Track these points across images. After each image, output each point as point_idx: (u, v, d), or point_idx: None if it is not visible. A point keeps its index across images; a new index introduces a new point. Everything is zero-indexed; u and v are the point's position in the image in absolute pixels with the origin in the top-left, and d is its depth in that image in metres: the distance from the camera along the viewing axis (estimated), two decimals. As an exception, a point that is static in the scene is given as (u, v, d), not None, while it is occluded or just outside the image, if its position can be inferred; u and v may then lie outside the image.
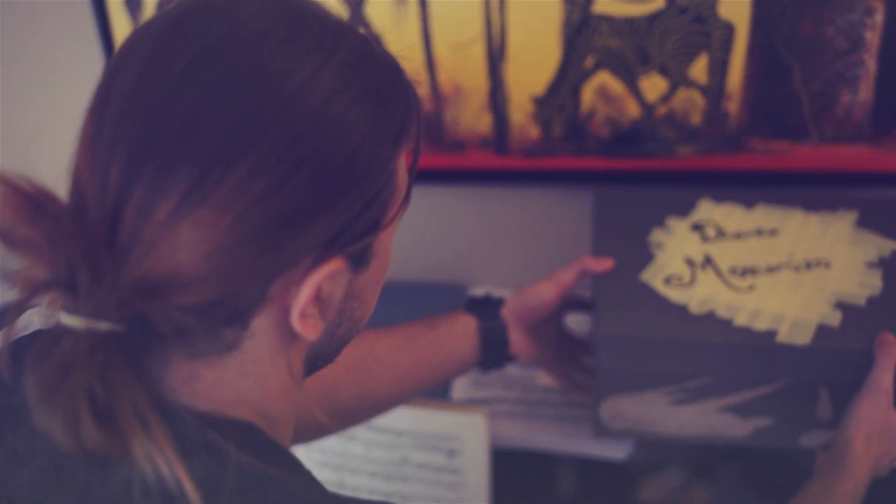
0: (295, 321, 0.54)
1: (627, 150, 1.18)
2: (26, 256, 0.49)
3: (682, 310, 0.93)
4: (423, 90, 1.15)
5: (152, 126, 0.49)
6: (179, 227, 0.49)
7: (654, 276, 0.97)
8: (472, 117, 1.17)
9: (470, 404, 1.11)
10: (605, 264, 0.98)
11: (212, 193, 0.49)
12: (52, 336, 0.49)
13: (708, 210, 1.06)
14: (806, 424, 0.94)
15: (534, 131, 1.17)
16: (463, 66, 1.14)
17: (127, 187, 0.49)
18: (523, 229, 1.27)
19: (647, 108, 1.13)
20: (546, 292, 0.98)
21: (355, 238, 0.55)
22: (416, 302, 1.30)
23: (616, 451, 1.09)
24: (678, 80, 1.10)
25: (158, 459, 0.49)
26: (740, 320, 0.91)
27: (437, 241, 1.30)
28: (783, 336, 0.89)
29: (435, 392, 1.14)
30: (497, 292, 1.29)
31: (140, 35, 0.53)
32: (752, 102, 1.12)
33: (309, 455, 1.10)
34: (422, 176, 1.24)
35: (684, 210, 1.06)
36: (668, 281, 0.96)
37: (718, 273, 0.96)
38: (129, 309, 0.49)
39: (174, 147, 0.49)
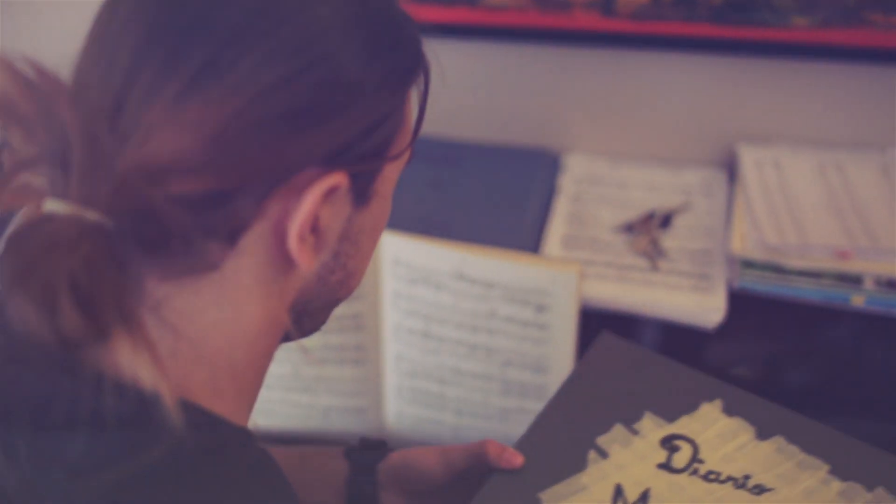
0: (292, 240, 0.52)
1: (739, 17, 1.14)
2: (22, 130, 0.47)
3: None
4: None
5: (168, 9, 0.49)
6: (186, 108, 0.47)
7: (557, 499, 0.72)
8: (582, -27, 1.14)
9: (562, 260, 1.11)
10: (510, 459, 0.76)
11: (223, 75, 0.48)
12: (31, 223, 0.46)
13: (705, 420, 0.79)
14: None
15: (645, -9, 1.13)
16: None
17: (135, 68, 0.48)
18: (624, 96, 1.24)
19: (768, -29, 1.08)
20: (428, 463, 0.80)
21: (359, 159, 0.53)
22: (506, 166, 1.28)
23: (706, 319, 1.08)
24: (804, -60, 1.05)
25: (138, 356, 0.46)
26: None
27: (532, 104, 1.27)
28: None
29: (526, 246, 1.14)
30: (590, 161, 1.28)
31: None
32: (880, -31, 1.06)
33: (397, 303, 1.10)
34: (523, 35, 1.21)
35: (677, 409, 0.79)
36: None
37: None
38: (122, 198, 0.46)
39: (189, 29, 0.48)
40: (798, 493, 0.73)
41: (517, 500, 0.72)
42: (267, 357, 0.57)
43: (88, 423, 0.47)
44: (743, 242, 1.12)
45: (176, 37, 0.48)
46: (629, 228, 1.19)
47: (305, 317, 0.59)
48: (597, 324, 1.12)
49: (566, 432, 0.78)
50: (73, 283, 0.44)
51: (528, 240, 1.17)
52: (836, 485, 0.73)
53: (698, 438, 0.77)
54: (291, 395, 1.17)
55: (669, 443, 0.77)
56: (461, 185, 1.24)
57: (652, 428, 0.78)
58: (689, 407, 0.79)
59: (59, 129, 0.46)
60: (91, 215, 0.46)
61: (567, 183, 1.27)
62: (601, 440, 0.77)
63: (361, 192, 0.55)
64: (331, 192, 0.52)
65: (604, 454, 0.76)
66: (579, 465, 0.74)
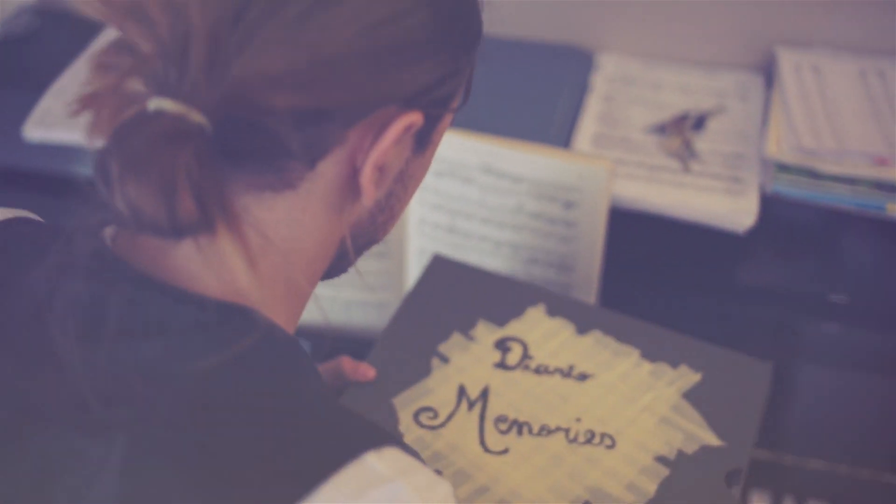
0: (367, 170, 0.55)
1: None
2: (143, 27, 0.49)
3: None
4: None
5: None
6: (304, 30, 0.50)
7: (409, 402, 0.81)
8: None
9: (593, 156, 1.08)
10: (364, 372, 0.84)
11: (341, 4, 0.51)
12: (140, 118, 0.48)
13: (531, 322, 0.89)
14: None
15: None
16: None
17: None
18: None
19: None
20: None
21: (432, 104, 0.57)
22: (538, 63, 1.25)
23: (737, 223, 1.06)
24: None
25: (236, 253, 0.49)
26: (461, 494, 0.75)
27: (567, 1, 1.24)
28: None
29: (556, 144, 1.11)
30: (624, 61, 1.24)
31: None
32: None
33: (423, 196, 1.09)
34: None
35: (506, 315, 0.89)
36: (417, 414, 0.81)
37: (482, 419, 0.80)
38: (230, 103, 0.49)
39: None
40: (615, 376, 0.84)
41: (373, 407, 0.81)
42: (315, 280, 0.61)
43: (161, 329, 0.52)
44: (778, 145, 1.09)
45: None
46: (661, 129, 1.16)
47: (352, 247, 0.62)
48: (625, 226, 1.11)
49: (411, 344, 0.86)
50: (188, 174, 0.47)
51: (558, 138, 1.15)
52: (647, 366, 0.85)
53: (527, 338, 0.87)
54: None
55: (502, 344, 0.87)
56: (491, 80, 1.21)
57: (486, 333, 0.88)
58: (517, 312, 0.90)
59: (183, 28, 0.48)
60: (197, 117, 0.48)
61: (599, 82, 1.24)
62: (442, 347, 0.86)
63: (422, 139, 0.59)
64: (406, 131, 0.56)
65: (445, 360, 0.85)
66: (425, 372, 0.84)
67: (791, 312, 1.13)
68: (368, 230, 0.62)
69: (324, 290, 1.16)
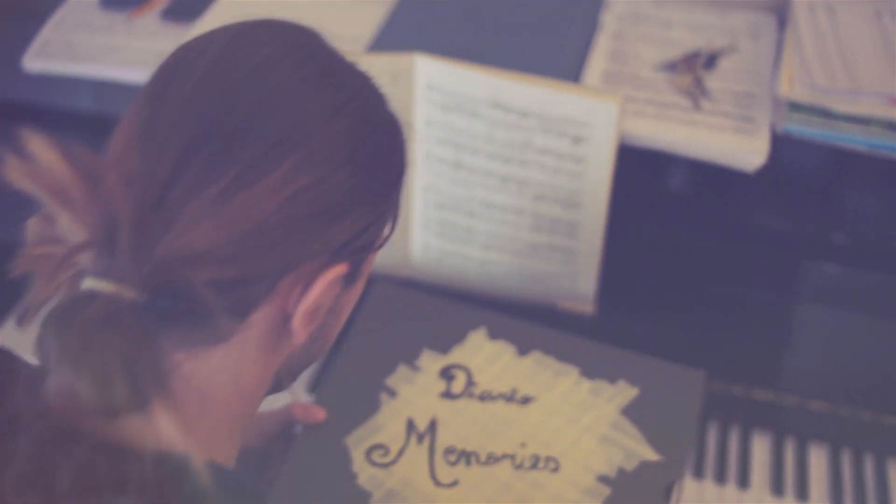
0: (298, 318, 0.58)
1: None
2: (72, 214, 0.51)
3: (361, 501, 0.79)
4: None
5: (218, 111, 0.54)
6: (227, 205, 0.52)
7: (360, 441, 0.83)
8: None
9: (603, 91, 1.07)
10: (314, 415, 0.85)
11: (262, 178, 0.53)
12: (75, 301, 0.50)
13: (473, 347, 0.91)
14: None
15: None
16: None
17: (182, 164, 0.52)
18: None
19: None
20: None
21: (360, 249, 0.60)
22: (548, 0, 1.23)
23: (747, 162, 1.05)
24: None
25: (171, 422, 0.50)
26: None
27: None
28: None
29: (566, 78, 1.10)
30: (635, 0, 1.22)
31: (197, 46, 0.58)
32: None
33: (429, 131, 1.07)
34: None
35: (449, 341, 0.91)
36: (369, 453, 0.82)
37: (431, 451, 0.82)
38: (159, 279, 0.51)
39: (236, 133, 0.53)
40: (556, 397, 0.86)
41: (326, 449, 0.82)
42: (255, 408, 0.63)
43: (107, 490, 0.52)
44: (791, 84, 1.07)
45: (224, 138, 0.53)
46: (672, 67, 1.14)
47: (286, 376, 0.65)
48: (633, 164, 1.09)
49: (358, 380, 0.88)
50: (123, 358, 0.49)
51: (568, 74, 1.13)
52: (586, 384, 0.87)
53: (470, 364, 0.89)
54: (317, 222, 1.15)
55: (447, 372, 0.88)
56: (501, 17, 1.19)
57: (430, 362, 0.89)
58: (459, 337, 0.91)
59: (110, 215, 0.51)
60: (129, 293, 0.50)
61: (609, 19, 1.22)
62: (389, 381, 0.88)
63: (351, 276, 0.61)
64: (333, 280, 0.58)
65: (392, 393, 0.87)
66: (374, 407, 0.86)
67: (794, 252, 1.13)
68: (303, 358, 0.65)
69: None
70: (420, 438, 0.84)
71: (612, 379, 0.88)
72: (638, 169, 1.12)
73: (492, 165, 1.07)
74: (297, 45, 0.59)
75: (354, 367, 0.90)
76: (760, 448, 1.14)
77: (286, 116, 0.55)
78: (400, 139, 0.63)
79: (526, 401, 0.86)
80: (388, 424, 0.85)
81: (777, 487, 1.10)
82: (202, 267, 0.52)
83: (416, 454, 0.82)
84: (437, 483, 0.80)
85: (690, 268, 1.16)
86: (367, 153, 0.58)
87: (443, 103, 1.05)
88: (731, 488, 1.10)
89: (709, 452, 1.13)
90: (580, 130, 1.02)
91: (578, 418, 0.85)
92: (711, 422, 1.16)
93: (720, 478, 1.10)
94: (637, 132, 1.06)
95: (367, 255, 0.62)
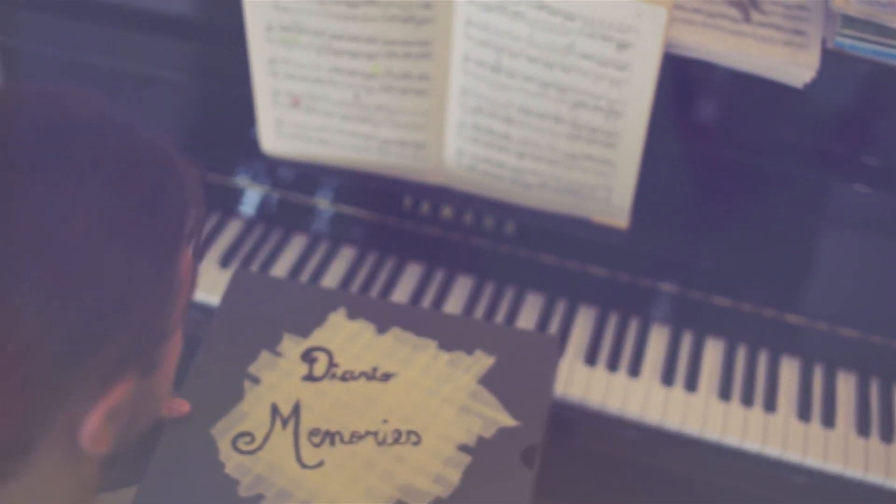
0: (86, 445, 0.51)
1: None
2: None
3: (229, 490, 0.79)
4: None
5: None
6: None
7: (226, 431, 0.83)
8: None
9: (653, -5, 1.03)
10: (178, 408, 0.81)
11: None
12: None
13: (334, 329, 0.91)
14: None
15: None
16: None
17: None
18: None
19: None
20: None
21: (144, 351, 0.51)
22: None
23: (796, 76, 1.02)
24: None
25: None
26: None
27: None
28: None
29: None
30: None
31: None
32: None
33: (468, 32, 1.04)
34: None
35: (310, 324, 0.91)
36: (235, 441, 0.82)
37: (296, 435, 0.83)
38: None
39: None
40: (416, 371, 0.88)
41: (193, 442, 0.81)
42: (91, 491, 0.58)
43: None
44: (846, -2, 1.04)
45: None
46: (722, -23, 1.10)
47: (122, 450, 0.58)
48: (678, 74, 1.06)
49: (221, 369, 0.87)
50: None
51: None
52: (444, 356, 0.89)
53: (331, 346, 0.89)
54: (350, 123, 1.13)
55: (308, 356, 0.89)
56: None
57: (292, 346, 0.89)
58: (319, 320, 0.91)
59: None
60: None
61: (658, -73, 1.18)
62: (252, 368, 0.87)
63: (149, 366, 0.54)
64: (118, 398, 0.51)
65: (256, 381, 0.86)
66: (238, 396, 0.85)
67: (828, 173, 1.10)
68: (131, 438, 0.58)
69: (361, 126, 1.13)
70: (284, 423, 0.85)
71: (470, 349, 0.89)
72: (678, 80, 1.09)
73: (532, 70, 1.04)
74: (15, 122, 0.48)
75: (217, 357, 0.88)
76: (788, 373, 1.13)
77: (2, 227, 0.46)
78: (174, 194, 0.53)
79: (387, 377, 0.88)
80: (252, 412, 0.85)
81: (803, 413, 1.09)
82: None
83: (282, 439, 0.83)
84: (303, 465, 0.82)
85: (724, 185, 1.13)
86: (130, 234, 0.49)
87: (485, 2, 1.02)
88: (757, 410, 1.09)
89: (736, 375, 1.12)
90: (626, 35, 0.99)
91: (437, 390, 0.87)
92: (740, 344, 1.15)
93: (747, 401, 1.10)
94: (684, 41, 1.03)
95: (158, 346, 0.54)
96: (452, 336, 0.91)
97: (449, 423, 0.84)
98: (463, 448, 0.83)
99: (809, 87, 1.03)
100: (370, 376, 0.88)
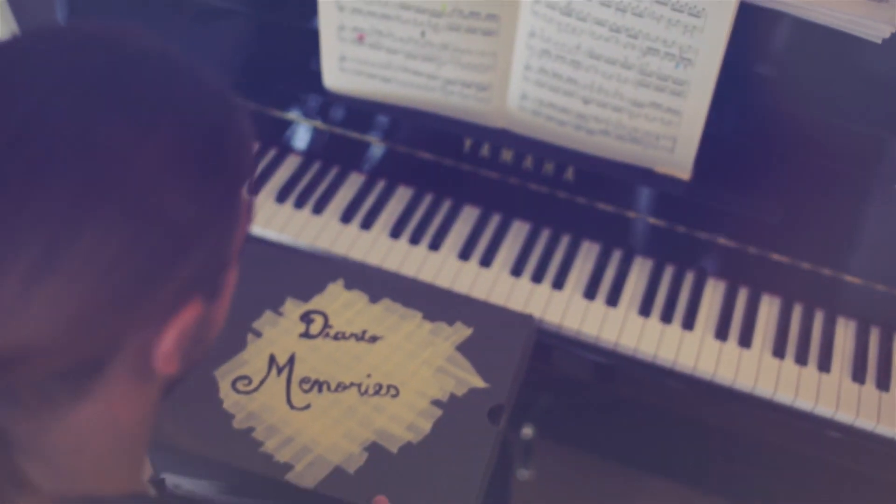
0: (158, 364, 0.53)
1: None
2: None
3: (224, 422, 0.90)
4: None
5: None
6: (32, 300, 0.46)
7: (227, 373, 0.95)
8: None
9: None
10: None
11: (62, 263, 0.46)
12: None
13: (331, 296, 1.02)
14: None
15: None
16: None
17: None
18: None
19: None
20: None
21: (209, 278, 0.53)
22: None
23: (875, 30, 0.99)
24: None
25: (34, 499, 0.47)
26: (269, 445, 0.89)
27: None
28: (293, 475, 0.87)
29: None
30: None
31: None
32: None
33: (531, 44, 1.02)
34: None
35: (310, 291, 1.03)
36: (234, 383, 0.94)
37: (288, 382, 0.95)
38: None
39: (19, 198, 0.45)
40: (401, 337, 0.99)
41: (198, 380, 0.92)
42: (148, 433, 0.59)
43: None
44: (932, -48, 1.01)
45: (8, 205, 0.45)
46: (803, -74, 1.07)
47: (174, 384, 0.60)
48: (750, 24, 1.04)
49: (228, 323, 0.97)
50: None
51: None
52: (428, 325, 1.00)
53: (328, 310, 1.01)
54: (414, 62, 1.12)
55: (307, 317, 1.00)
56: None
57: (293, 308, 1.01)
58: (320, 288, 1.03)
59: None
60: None
61: None
62: (256, 324, 0.99)
63: (212, 293, 0.55)
64: (188, 320, 0.53)
65: (258, 334, 0.98)
66: (241, 346, 0.97)
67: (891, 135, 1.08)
68: (188, 369, 0.59)
69: (425, 65, 1.12)
70: (279, 371, 0.95)
71: (451, 321, 1.00)
72: (751, 30, 1.07)
73: (604, 13, 1.02)
74: (81, 63, 0.49)
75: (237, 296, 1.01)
76: (844, 334, 1.12)
77: (80, 167, 0.46)
78: (231, 132, 0.54)
79: (374, 340, 0.99)
80: (252, 360, 0.96)
81: (858, 375, 1.08)
82: (26, 366, 0.47)
83: (275, 384, 0.94)
84: (292, 407, 0.92)
85: (789, 140, 1.11)
86: (194, 172, 0.50)
87: (560, -58, 1.00)
88: (811, 369, 1.08)
89: (791, 333, 1.11)
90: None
91: (419, 353, 0.97)
92: (796, 303, 1.14)
93: (801, 359, 1.09)
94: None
95: (221, 274, 0.55)
96: (437, 308, 1.01)
97: (425, 381, 0.95)
98: (435, 403, 0.93)
99: (887, 43, 1.00)
100: (359, 337, 0.99)
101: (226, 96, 0.54)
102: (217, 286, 0.56)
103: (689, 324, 1.10)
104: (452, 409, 0.93)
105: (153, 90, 0.50)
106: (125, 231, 0.47)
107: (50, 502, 0.49)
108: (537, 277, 1.12)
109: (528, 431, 1.11)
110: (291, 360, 0.97)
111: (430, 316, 1.01)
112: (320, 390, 0.94)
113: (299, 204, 1.19)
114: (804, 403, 1.05)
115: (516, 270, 1.13)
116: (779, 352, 1.09)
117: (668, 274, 1.16)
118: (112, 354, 0.51)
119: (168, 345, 0.52)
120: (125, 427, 0.55)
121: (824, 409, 1.05)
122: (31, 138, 0.46)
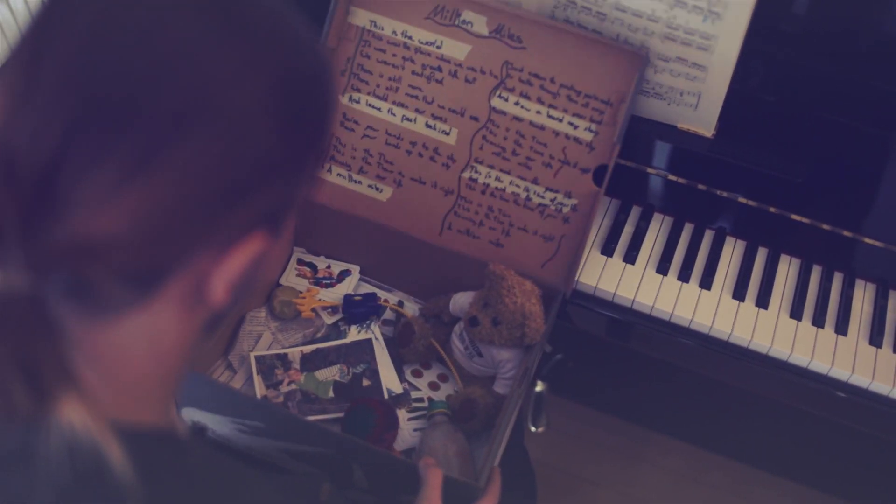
0: (210, 292, 0.54)
1: None
2: None
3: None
4: None
5: (104, 83, 0.47)
6: (126, 193, 0.47)
7: None
8: None
9: None
10: None
11: (163, 160, 0.47)
12: None
13: None
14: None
15: None
16: None
17: (68, 144, 0.46)
18: None
19: None
20: None
21: (275, 216, 0.55)
22: None
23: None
24: None
25: (79, 410, 0.48)
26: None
27: None
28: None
29: None
30: None
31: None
32: None
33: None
34: None
35: None
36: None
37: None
38: (59, 268, 0.47)
39: (126, 108, 0.47)
40: None
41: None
42: (182, 366, 0.60)
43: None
44: None
45: (113, 116, 0.47)
46: None
47: (216, 325, 0.61)
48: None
49: None
50: (20, 364, 0.46)
51: None
52: None
53: None
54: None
55: None
56: None
57: None
58: None
59: None
60: (21, 287, 0.46)
61: None
62: None
63: (274, 232, 0.56)
64: (252, 249, 0.54)
65: None
66: None
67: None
68: (231, 307, 0.59)
69: None
70: None
71: None
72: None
73: (631, -35, 1.00)
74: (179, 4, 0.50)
75: None
76: (862, 297, 1.11)
77: (189, 79, 0.48)
78: (326, 86, 0.56)
79: None
80: None
81: (875, 339, 1.07)
82: (101, 259, 0.48)
83: None
84: None
85: (814, 100, 1.10)
86: (288, 112, 0.52)
87: None
88: (829, 331, 1.07)
89: (809, 295, 1.11)
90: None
91: None
92: (815, 265, 1.13)
93: (819, 321, 1.08)
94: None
95: (289, 213, 0.57)
96: None
97: None
98: None
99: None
100: None
101: (325, 56, 0.57)
102: (280, 226, 0.57)
103: (706, 283, 1.09)
104: None
105: (266, 27, 0.52)
106: (218, 151, 0.49)
107: (87, 408, 0.50)
108: (555, 232, 1.11)
109: (539, 387, 1.10)
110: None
111: None
112: None
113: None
114: (820, 365, 1.05)
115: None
116: (796, 313, 1.08)
117: (686, 232, 1.14)
118: (176, 268, 0.52)
119: (225, 272, 0.54)
120: (166, 352, 0.56)
121: (840, 372, 1.04)
122: (148, 46, 0.48)
